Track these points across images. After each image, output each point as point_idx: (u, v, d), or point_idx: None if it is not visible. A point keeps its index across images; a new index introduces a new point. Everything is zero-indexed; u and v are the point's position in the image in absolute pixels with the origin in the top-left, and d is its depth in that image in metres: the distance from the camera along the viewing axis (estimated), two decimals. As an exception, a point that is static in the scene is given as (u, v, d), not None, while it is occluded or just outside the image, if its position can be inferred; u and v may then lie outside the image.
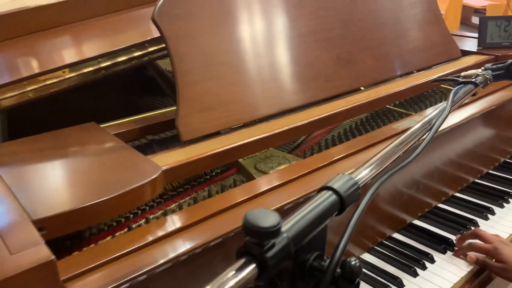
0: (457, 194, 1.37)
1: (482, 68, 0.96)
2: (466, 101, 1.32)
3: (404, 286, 1.00)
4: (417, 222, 1.24)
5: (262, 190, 0.85)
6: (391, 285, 1.00)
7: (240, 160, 1.07)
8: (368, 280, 1.02)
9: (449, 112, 0.69)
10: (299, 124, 1.05)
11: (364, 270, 1.05)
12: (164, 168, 0.82)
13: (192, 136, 0.94)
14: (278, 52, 1.13)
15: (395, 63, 1.38)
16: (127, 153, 0.86)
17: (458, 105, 0.79)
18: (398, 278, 1.01)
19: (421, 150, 0.57)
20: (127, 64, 1.15)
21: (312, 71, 1.18)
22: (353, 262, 0.45)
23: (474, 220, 1.22)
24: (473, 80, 0.85)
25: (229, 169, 1.06)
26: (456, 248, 1.12)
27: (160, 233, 0.75)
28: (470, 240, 1.11)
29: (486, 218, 1.24)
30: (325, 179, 0.47)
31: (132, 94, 1.50)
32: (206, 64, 1.00)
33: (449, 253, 1.11)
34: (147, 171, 0.79)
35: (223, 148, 0.91)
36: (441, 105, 0.72)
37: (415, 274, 1.03)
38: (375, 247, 1.13)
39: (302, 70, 1.16)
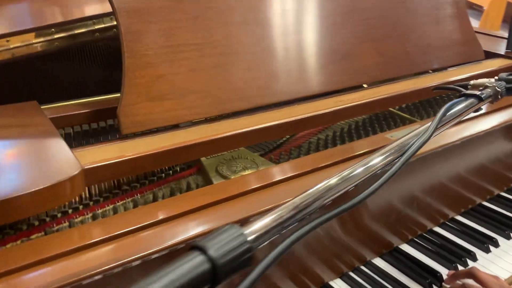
0: (458, 217, 1.19)
1: (496, 77, 0.78)
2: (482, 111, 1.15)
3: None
4: (403, 246, 1.08)
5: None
6: None
7: (203, 159, 0.92)
8: None
9: (431, 137, 0.53)
10: (269, 124, 0.89)
11: None
12: (87, 167, 0.69)
13: (135, 129, 0.80)
14: (259, 36, 0.97)
15: (402, 60, 1.20)
16: (51, 144, 0.73)
17: (451, 123, 0.62)
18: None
19: (371, 192, 0.41)
20: (87, 37, 1.01)
21: (299, 63, 1.02)
22: None
23: (472, 252, 1.05)
24: (477, 93, 0.68)
25: (190, 167, 0.92)
26: (445, 286, 0.96)
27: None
28: (464, 280, 0.95)
29: (487, 251, 1.06)
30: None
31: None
32: (165, 45, 0.85)
33: (436, 290, 0.95)
34: (62, 169, 0.66)
35: (169, 148, 0.77)
36: (425, 126, 0.56)
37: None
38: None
39: (287, 59, 1.00)
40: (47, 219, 0.73)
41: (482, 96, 0.67)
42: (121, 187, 0.81)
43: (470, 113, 0.66)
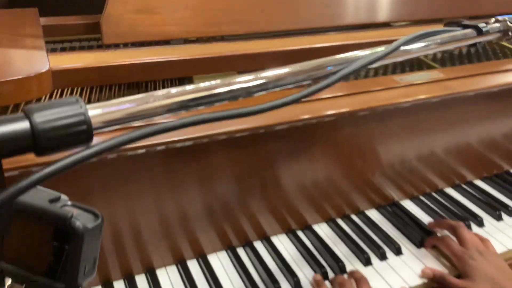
0: (477, 182, 1.09)
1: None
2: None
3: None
4: (405, 202, 1.00)
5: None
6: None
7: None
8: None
9: (388, 54, 0.46)
10: (264, 51, 0.83)
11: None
12: (55, 68, 0.68)
13: (118, 40, 0.78)
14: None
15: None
16: (30, 45, 0.73)
17: (432, 50, 0.54)
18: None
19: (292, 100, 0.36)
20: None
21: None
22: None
23: (480, 217, 0.95)
24: (477, 24, 0.58)
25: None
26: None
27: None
28: (444, 231, 0.88)
29: (499, 218, 0.96)
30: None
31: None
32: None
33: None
34: (31, 66, 0.65)
35: (144, 61, 0.74)
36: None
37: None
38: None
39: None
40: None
41: (483, 28, 0.58)
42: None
43: (463, 44, 0.57)
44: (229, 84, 0.37)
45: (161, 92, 0.34)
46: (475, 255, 0.77)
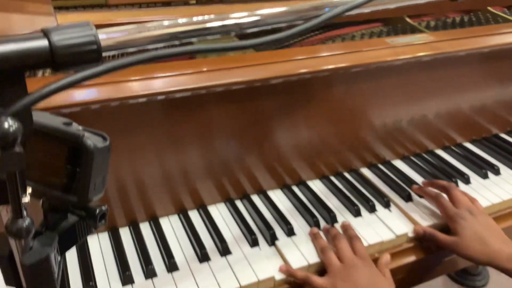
0: (466, 144, 1.14)
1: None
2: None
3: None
4: (396, 162, 1.05)
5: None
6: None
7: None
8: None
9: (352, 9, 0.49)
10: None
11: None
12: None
13: (122, 0, 0.82)
14: None
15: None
16: (38, 9, 0.77)
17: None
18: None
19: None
20: None
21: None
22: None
23: (467, 175, 1.00)
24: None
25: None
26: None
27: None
28: (436, 190, 0.92)
29: (485, 177, 1.01)
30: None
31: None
32: None
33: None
34: (40, 24, 0.70)
35: (150, 19, 0.78)
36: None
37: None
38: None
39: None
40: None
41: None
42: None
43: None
44: (222, 19, 0.41)
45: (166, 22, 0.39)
46: (465, 215, 0.82)
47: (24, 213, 0.35)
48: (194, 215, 0.87)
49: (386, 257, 0.80)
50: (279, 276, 0.75)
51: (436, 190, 0.91)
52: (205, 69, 0.73)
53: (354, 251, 0.77)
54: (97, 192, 0.43)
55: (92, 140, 0.41)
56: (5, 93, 0.31)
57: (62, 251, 0.45)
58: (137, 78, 0.68)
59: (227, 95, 0.75)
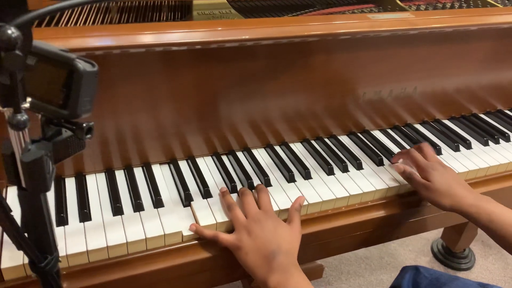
0: (444, 121, 1.21)
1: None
2: None
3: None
4: (375, 132, 1.14)
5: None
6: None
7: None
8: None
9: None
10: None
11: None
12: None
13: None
14: None
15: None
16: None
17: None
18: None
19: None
20: None
21: None
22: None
23: (438, 146, 1.08)
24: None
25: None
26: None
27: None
28: (403, 159, 1.01)
29: (456, 149, 1.09)
30: None
31: None
32: None
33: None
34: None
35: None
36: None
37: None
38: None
39: None
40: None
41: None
42: None
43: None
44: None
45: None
46: (436, 166, 0.91)
47: (23, 111, 0.45)
48: (183, 165, 0.96)
49: (299, 201, 0.85)
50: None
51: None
52: (201, 29, 0.81)
53: (259, 205, 0.83)
54: (86, 111, 0.53)
55: (82, 64, 0.51)
56: (10, 11, 0.40)
57: (56, 161, 0.55)
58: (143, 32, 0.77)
59: (220, 51, 0.83)
